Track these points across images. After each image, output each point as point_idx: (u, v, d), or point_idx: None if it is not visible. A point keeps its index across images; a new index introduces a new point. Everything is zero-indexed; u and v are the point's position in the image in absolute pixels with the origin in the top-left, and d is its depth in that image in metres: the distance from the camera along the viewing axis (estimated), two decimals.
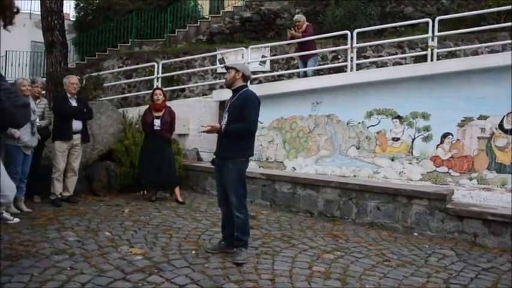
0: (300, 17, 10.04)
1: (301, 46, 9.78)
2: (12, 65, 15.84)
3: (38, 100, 6.39)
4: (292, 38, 9.81)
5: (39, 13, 8.89)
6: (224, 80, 4.72)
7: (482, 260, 4.73)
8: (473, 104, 7.28)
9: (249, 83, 4.71)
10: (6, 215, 5.21)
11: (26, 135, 5.61)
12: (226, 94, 4.79)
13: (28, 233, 4.83)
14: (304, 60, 9.69)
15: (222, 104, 8.56)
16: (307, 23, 9.86)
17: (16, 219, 5.28)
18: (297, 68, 11.83)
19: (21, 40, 15.56)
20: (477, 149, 7.29)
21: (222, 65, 8.80)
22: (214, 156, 4.65)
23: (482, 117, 7.26)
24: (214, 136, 4.73)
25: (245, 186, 4.49)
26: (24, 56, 16.43)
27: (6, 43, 12.55)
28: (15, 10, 1.46)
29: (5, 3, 1.41)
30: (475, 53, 10.52)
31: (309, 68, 9.51)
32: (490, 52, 10.19)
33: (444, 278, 4.11)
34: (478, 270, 4.38)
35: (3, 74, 2.20)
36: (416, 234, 5.71)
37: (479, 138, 7.29)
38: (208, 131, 4.49)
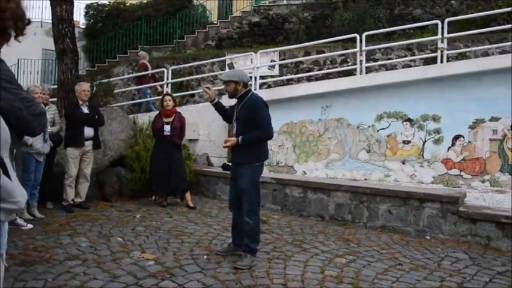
0: (140, 53, 12.84)
1: (138, 78, 12.16)
2: (24, 73, 16.00)
3: (47, 107, 6.44)
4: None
5: (50, 21, 8.99)
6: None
7: (496, 263, 4.67)
8: (485, 105, 7.23)
9: (257, 87, 4.74)
10: (20, 221, 5.27)
11: (38, 142, 5.66)
12: (235, 100, 4.80)
13: (41, 239, 4.88)
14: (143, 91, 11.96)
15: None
16: (143, 61, 12.11)
17: (30, 225, 5.34)
18: (307, 71, 11.89)
19: (33, 48, 15.71)
20: (489, 151, 7.23)
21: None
22: (225, 162, 4.69)
23: (494, 119, 7.21)
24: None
25: (259, 192, 4.49)
26: (35, 64, 16.60)
27: (18, 51, 12.70)
28: (26, 21, 1.48)
29: (17, 14, 1.43)
30: (486, 54, 10.46)
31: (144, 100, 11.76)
32: (500, 53, 10.11)
33: (458, 282, 4.08)
34: (493, 274, 4.33)
35: None
36: (428, 237, 5.66)
37: (491, 140, 7.24)
38: (228, 146, 4.53)
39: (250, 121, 4.35)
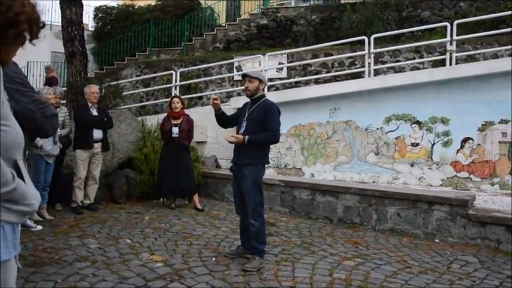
0: (48, 65, 13.92)
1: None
2: (33, 76, 16.11)
3: (58, 109, 6.49)
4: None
5: (60, 24, 9.05)
6: (244, 88, 4.69)
7: (506, 267, 4.64)
8: (494, 108, 7.18)
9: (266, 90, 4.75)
10: (29, 222, 5.30)
11: (48, 144, 5.70)
12: (243, 101, 4.82)
13: (51, 240, 4.91)
14: None
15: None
16: (53, 74, 12.88)
17: (39, 227, 5.37)
18: (315, 74, 11.89)
19: (42, 51, 15.80)
20: (498, 154, 7.18)
21: (240, 73, 8.95)
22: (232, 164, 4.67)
23: (504, 121, 7.16)
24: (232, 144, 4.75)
25: (262, 193, 4.49)
26: (45, 67, 16.71)
27: (28, 54, 12.82)
28: (41, 25, 1.50)
29: (32, 17, 1.45)
30: (495, 56, 10.40)
31: None
32: (510, 55, 10.03)
33: (467, 285, 4.05)
34: (503, 277, 4.31)
35: None
36: (437, 240, 5.64)
37: (500, 142, 7.19)
38: (232, 142, 4.50)
39: (261, 123, 4.39)
